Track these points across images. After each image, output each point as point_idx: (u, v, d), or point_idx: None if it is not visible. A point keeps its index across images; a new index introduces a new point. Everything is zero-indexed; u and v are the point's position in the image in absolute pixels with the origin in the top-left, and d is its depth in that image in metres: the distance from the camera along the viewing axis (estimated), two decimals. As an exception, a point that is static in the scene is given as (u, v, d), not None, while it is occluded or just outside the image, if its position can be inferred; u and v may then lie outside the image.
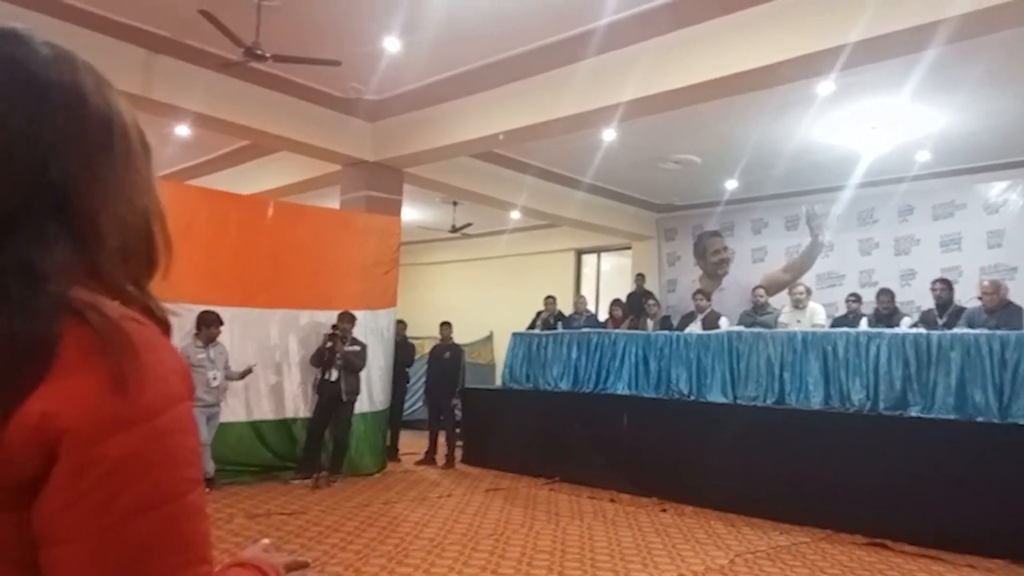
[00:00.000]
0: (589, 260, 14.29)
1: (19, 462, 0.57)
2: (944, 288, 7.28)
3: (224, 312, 6.68)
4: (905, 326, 7.01)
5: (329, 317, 7.67)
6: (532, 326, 9.83)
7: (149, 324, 0.65)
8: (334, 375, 7.45)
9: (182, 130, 8.20)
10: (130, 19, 6.36)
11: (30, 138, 0.64)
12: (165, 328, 0.69)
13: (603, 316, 10.47)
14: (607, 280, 13.95)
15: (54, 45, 0.69)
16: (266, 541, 0.90)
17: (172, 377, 0.64)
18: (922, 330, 6.52)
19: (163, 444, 0.61)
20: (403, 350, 8.93)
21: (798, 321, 7.78)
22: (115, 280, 0.67)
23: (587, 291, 13.12)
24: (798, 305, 8.03)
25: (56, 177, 0.64)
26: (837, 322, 7.86)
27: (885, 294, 7.72)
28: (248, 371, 6.96)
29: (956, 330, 6.33)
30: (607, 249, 13.85)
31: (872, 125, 8.01)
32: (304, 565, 0.89)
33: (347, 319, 7.59)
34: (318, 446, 7.51)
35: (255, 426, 7.40)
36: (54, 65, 0.67)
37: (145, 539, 0.59)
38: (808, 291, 8.32)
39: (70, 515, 0.57)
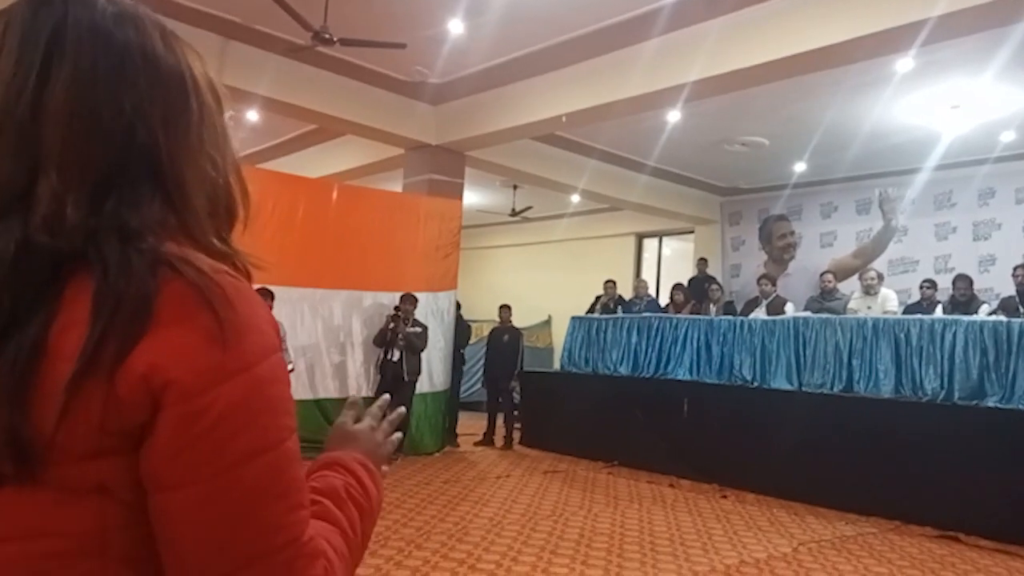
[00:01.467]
0: (650, 244, 14.10)
1: (129, 410, 0.59)
2: (1027, 274, 6.95)
3: (291, 292, 6.84)
4: (983, 313, 6.72)
5: (391, 298, 7.80)
6: (591, 310, 9.78)
7: (240, 277, 0.67)
8: (396, 355, 7.59)
9: (251, 115, 8.40)
10: (204, 5, 6.54)
11: (116, 101, 0.65)
12: (248, 279, 0.71)
13: (664, 301, 10.35)
14: (668, 265, 13.75)
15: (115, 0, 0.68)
16: (352, 399, 0.97)
17: (266, 327, 0.65)
18: (1002, 318, 6.23)
19: (263, 392, 0.63)
20: (458, 332, 8.96)
21: (868, 307, 7.53)
22: (203, 236, 0.69)
23: (648, 276, 12.93)
24: (869, 291, 7.77)
25: (143, 139, 0.66)
26: (910, 309, 7.59)
27: (962, 280, 7.41)
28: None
29: (1040, 318, 6.05)
30: (669, 233, 13.65)
31: (953, 104, 7.64)
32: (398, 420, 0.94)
33: (409, 301, 7.71)
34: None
35: (320, 404, 7.59)
36: (124, 24, 0.67)
37: (252, 485, 0.61)
38: (880, 276, 8.03)
39: (180, 463, 0.59)
